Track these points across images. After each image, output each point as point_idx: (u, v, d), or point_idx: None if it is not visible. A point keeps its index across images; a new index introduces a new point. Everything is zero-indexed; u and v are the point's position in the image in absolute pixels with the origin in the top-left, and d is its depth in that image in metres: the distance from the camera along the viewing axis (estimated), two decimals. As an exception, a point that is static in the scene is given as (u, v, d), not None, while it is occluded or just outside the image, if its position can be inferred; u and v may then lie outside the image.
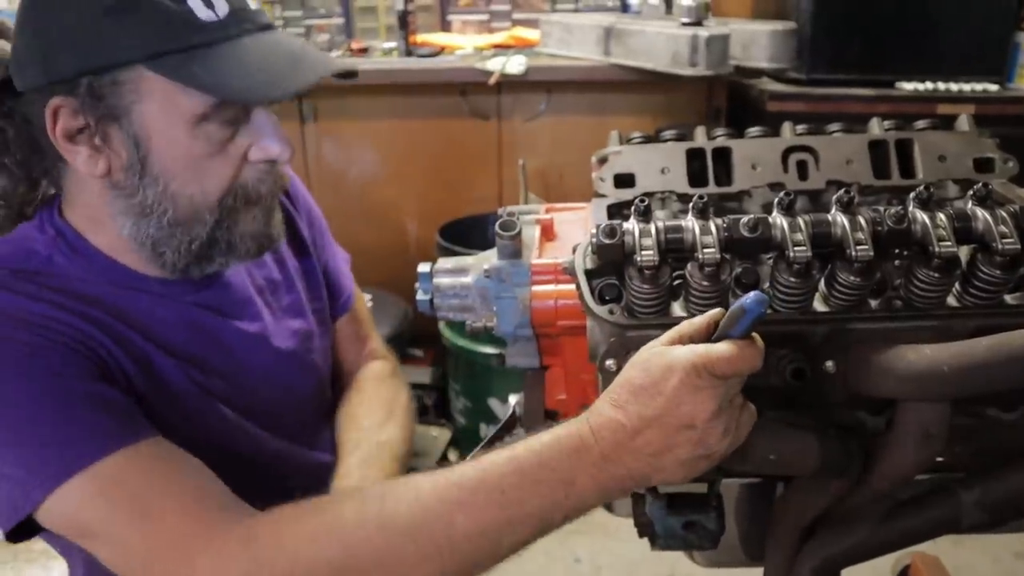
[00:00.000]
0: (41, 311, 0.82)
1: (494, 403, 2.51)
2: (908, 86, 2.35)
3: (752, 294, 0.61)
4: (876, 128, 0.91)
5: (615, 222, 0.70)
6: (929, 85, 2.34)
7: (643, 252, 0.67)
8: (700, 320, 0.66)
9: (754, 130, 0.93)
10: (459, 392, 2.63)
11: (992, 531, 0.89)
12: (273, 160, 0.87)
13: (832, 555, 0.84)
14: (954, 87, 2.33)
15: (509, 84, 2.53)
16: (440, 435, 2.73)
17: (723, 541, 0.84)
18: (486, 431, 2.54)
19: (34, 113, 0.82)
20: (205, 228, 0.86)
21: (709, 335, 0.65)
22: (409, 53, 2.74)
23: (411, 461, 1.06)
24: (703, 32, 2.22)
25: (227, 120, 0.83)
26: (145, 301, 0.90)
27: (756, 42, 2.38)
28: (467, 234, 2.47)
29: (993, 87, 2.35)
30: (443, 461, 2.48)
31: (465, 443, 2.42)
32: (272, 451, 1.01)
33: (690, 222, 0.69)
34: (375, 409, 1.12)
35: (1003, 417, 0.73)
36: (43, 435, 0.77)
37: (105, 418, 0.80)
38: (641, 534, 0.85)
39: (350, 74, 0.89)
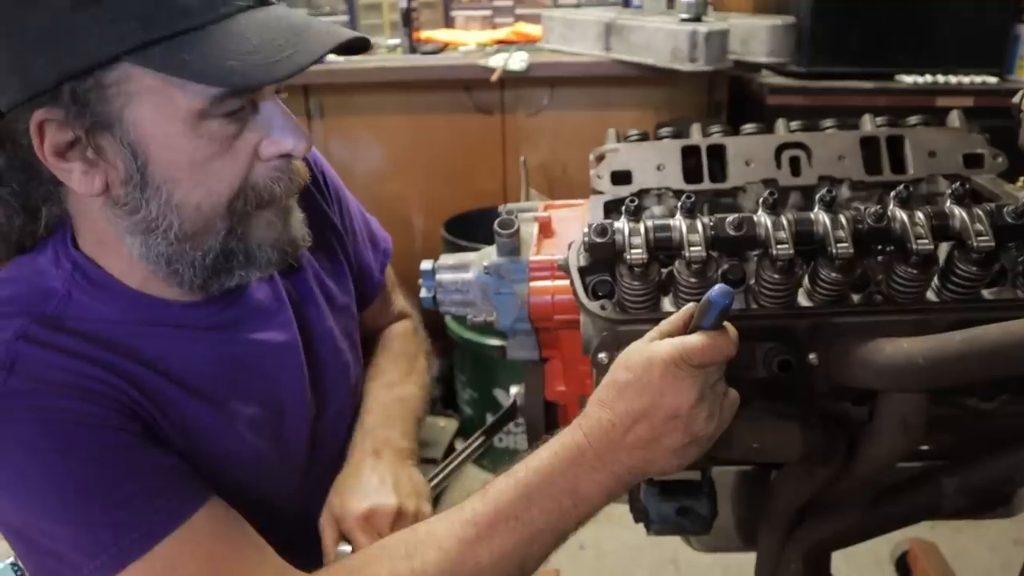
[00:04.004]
0: (74, 368, 0.76)
1: (500, 393, 2.55)
2: (908, 79, 2.35)
3: (717, 287, 0.63)
4: (868, 124, 0.92)
5: (606, 221, 0.72)
6: (928, 78, 2.35)
7: (632, 250, 0.70)
8: (676, 316, 0.68)
9: (748, 127, 0.94)
10: (465, 383, 2.66)
11: (976, 516, 0.92)
12: (288, 155, 0.80)
13: (821, 539, 0.87)
14: (953, 79, 2.34)
15: (512, 79, 2.55)
16: (447, 425, 2.78)
17: (719, 527, 0.86)
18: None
19: (22, 134, 0.74)
20: (217, 239, 0.80)
21: (686, 329, 0.68)
22: (413, 50, 2.76)
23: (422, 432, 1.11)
24: (702, 28, 2.23)
25: (231, 114, 0.75)
26: (170, 340, 0.84)
27: (755, 36, 2.39)
28: (472, 227, 2.49)
29: (992, 79, 2.35)
30: (450, 450, 2.53)
31: (472, 433, 2.45)
32: (302, 466, 0.99)
33: (678, 221, 0.71)
34: (400, 364, 1.14)
35: (983, 406, 0.75)
36: (95, 517, 0.74)
37: (157, 493, 0.76)
38: (637, 519, 0.88)
39: (362, 45, 0.79)
